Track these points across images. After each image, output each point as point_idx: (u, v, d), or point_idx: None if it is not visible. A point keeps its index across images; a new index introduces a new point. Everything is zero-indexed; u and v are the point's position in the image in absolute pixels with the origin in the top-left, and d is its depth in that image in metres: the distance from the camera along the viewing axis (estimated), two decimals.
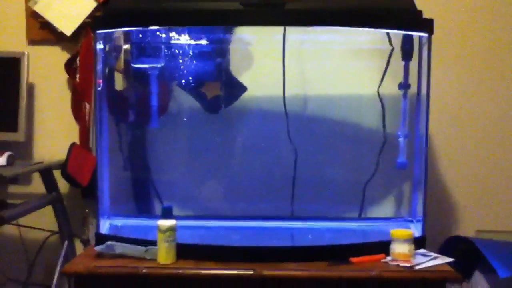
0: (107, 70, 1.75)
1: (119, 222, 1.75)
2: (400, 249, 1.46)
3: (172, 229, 1.45)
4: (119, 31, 1.75)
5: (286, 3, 1.52)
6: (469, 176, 2.00)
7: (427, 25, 1.58)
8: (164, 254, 1.45)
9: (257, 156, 1.89)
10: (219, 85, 1.88)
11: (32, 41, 2.02)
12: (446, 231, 1.98)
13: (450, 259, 1.49)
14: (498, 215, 2.00)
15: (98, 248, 1.50)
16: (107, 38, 1.71)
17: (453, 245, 1.86)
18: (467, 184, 2.00)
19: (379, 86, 1.85)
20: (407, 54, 1.75)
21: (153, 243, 1.48)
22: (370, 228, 1.81)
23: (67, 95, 2.01)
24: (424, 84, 1.65)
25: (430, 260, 1.47)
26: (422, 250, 1.54)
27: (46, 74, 2.03)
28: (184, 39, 1.81)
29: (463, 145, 2.00)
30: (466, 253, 1.78)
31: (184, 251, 1.48)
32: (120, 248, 1.49)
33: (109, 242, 1.50)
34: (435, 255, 1.51)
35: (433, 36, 1.60)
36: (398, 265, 1.45)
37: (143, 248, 1.49)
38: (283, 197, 1.86)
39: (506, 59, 1.99)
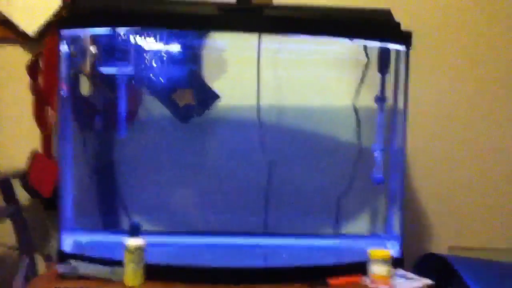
0: (72, 74, 1.67)
1: (84, 238, 1.66)
2: (378, 270, 1.42)
3: (140, 249, 1.37)
4: (86, 32, 1.65)
5: (265, 10, 1.46)
6: (441, 192, 1.98)
7: (405, 38, 1.56)
8: (131, 276, 1.37)
9: (229, 168, 1.83)
10: (192, 93, 1.81)
11: None
12: (419, 247, 1.95)
13: (430, 281, 1.46)
14: (470, 232, 1.99)
15: (60, 268, 1.41)
16: (73, 39, 1.62)
17: (427, 263, 1.83)
18: (439, 200, 1.98)
19: (354, 98, 1.81)
20: (383, 66, 1.72)
21: (120, 263, 1.40)
22: (345, 246, 1.77)
23: (28, 99, 1.89)
24: (401, 97, 1.62)
25: (409, 283, 1.43)
26: (400, 271, 1.50)
27: (6, 76, 1.92)
28: (155, 43, 1.73)
29: (435, 160, 1.98)
30: (440, 271, 1.75)
31: (152, 272, 1.40)
32: (84, 268, 1.41)
33: (72, 262, 1.42)
34: (414, 276, 1.47)
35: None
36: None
37: (109, 269, 1.40)
38: (256, 212, 1.81)
39: (485, 72, 1.97)
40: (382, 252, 1.45)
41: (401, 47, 1.59)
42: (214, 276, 1.42)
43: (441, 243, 1.98)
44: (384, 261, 1.43)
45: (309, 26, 1.48)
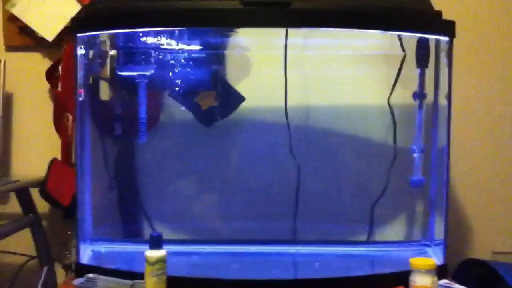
0: (90, 78, 1.60)
1: (103, 248, 1.59)
2: (421, 281, 1.29)
3: (161, 260, 1.28)
4: (103, 35, 1.59)
5: (293, 2, 1.36)
6: (484, 194, 1.85)
7: (448, 27, 1.43)
8: None
9: (256, 173, 1.73)
10: (215, 95, 1.73)
11: (10, 47, 1.88)
12: (459, 253, 1.82)
13: None
14: None
15: (77, 282, 1.33)
16: (90, 43, 1.56)
17: (468, 269, 1.71)
18: (482, 202, 1.85)
19: (389, 96, 1.70)
20: (422, 60, 1.59)
21: (141, 275, 1.30)
22: (381, 253, 1.64)
23: (48, 106, 1.86)
24: (442, 93, 1.50)
25: None
26: (444, 281, 1.38)
27: (25, 83, 1.88)
28: (176, 43, 1.65)
29: (477, 161, 1.85)
30: (482, 278, 1.64)
31: (175, 285, 1.31)
32: (102, 282, 1.32)
33: (90, 275, 1.34)
34: (461, 287, 1.34)
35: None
36: None
37: (129, 282, 1.32)
38: (284, 218, 1.70)
39: None
40: (426, 260, 1.31)
41: (443, 38, 1.47)
42: None
43: (484, 248, 1.85)
44: (429, 270, 1.29)
45: (342, 18, 1.36)
